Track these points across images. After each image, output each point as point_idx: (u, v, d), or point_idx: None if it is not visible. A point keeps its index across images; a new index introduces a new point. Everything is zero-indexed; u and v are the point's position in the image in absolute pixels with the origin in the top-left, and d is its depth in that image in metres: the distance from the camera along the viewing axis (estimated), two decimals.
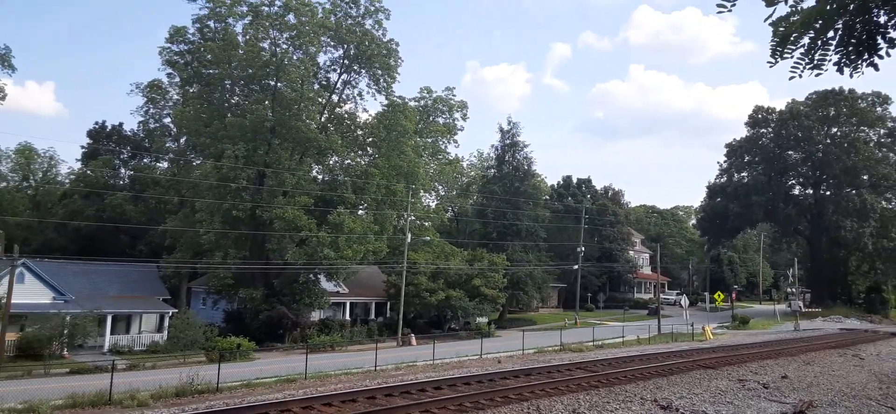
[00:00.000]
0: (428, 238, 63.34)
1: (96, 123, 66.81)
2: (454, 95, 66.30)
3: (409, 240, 53.18)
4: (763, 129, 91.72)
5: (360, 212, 52.49)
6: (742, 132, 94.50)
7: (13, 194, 67.92)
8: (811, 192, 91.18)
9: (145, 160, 65.04)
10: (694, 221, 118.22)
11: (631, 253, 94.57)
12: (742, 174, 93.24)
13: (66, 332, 39.40)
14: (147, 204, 58.06)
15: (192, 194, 52.69)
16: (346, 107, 55.98)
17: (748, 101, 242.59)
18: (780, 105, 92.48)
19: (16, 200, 66.01)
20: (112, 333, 44.68)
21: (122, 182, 64.95)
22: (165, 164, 63.62)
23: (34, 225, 60.29)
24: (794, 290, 73.22)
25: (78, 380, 26.21)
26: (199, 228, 47.39)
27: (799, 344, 41.16)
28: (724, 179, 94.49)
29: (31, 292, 40.98)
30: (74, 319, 40.28)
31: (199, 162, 56.69)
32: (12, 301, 34.12)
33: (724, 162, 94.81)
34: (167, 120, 60.07)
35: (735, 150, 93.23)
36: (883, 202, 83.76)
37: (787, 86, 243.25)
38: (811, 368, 30.89)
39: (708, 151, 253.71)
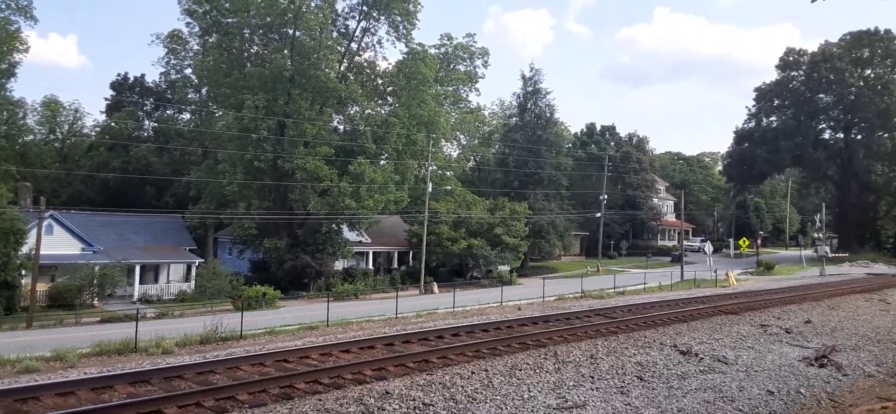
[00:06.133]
0: (449, 187, 63.35)
1: (119, 75, 67.26)
2: (475, 42, 65.43)
3: (430, 189, 53.21)
4: (794, 72, 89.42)
5: (381, 162, 52.45)
6: (772, 76, 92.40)
7: (40, 147, 68.80)
8: (842, 136, 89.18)
9: (168, 112, 65.46)
10: (720, 168, 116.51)
11: (655, 200, 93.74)
12: (771, 119, 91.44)
13: (95, 282, 40.38)
14: (171, 155, 58.62)
15: (214, 145, 53.07)
16: (366, 55, 55.65)
17: (779, 44, 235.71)
18: (812, 47, 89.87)
19: (43, 153, 66.91)
20: (141, 282, 45.71)
21: (146, 134, 65.55)
22: (188, 116, 64.00)
23: (62, 177, 61.31)
24: (820, 235, 72.23)
25: (108, 328, 26.86)
26: (222, 178, 47.86)
27: (824, 289, 40.72)
28: (752, 124, 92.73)
29: (59, 244, 41.84)
30: (103, 270, 41.20)
31: (220, 113, 56.95)
32: (42, 252, 34.91)
33: (753, 106, 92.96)
34: (188, 71, 60.18)
35: (764, 95, 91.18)
36: None
37: (820, 27, 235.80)
38: (835, 313, 30.56)
39: (736, 97, 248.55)
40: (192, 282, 47.01)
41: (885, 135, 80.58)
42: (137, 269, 45.25)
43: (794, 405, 15.85)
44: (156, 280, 47.46)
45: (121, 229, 49.45)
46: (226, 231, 56.98)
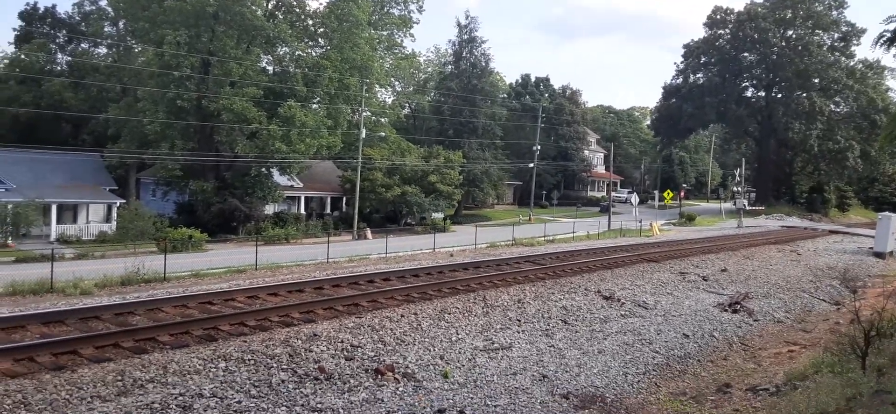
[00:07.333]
0: (383, 134, 62.72)
1: (28, 4, 62.71)
2: None
3: (363, 135, 52.51)
4: (721, 31, 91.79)
5: (312, 106, 51.17)
6: (700, 34, 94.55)
7: None
8: (763, 94, 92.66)
9: (83, 45, 61.68)
10: (649, 122, 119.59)
11: (586, 152, 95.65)
12: (698, 75, 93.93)
13: (8, 220, 38.40)
14: (88, 91, 55.50)
15: (134, 82, 50.51)
16: None
17: (709, 2, 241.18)
18: (739, 6, 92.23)
19: None
20: (59, 222, 43.70)
21: (59, 67, 61.68)
22: (104, 50, 60.50)
23: None
24: (739, 189, 75.53)
25: (23, 268, 25.59)
26: (142, 117, 45.74)
27: (741, 240, 42.75)
28: (679, 80, 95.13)
29: None
30: (17, 208, 39.16)
31: (139, 48, 54.03)
32: None
33: (681, 63, 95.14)
34: (104, 2, 56.67)
35: (692, 52, 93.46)
36: (831, 105, 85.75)
37: None
38: (750, 262, 32.17)
39: (667, 53, 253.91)
40: (114, 223, 45.21)
41: (803, 94, 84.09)
42: (54, 208, 43.18)
43: (708, 348, 16.67)
44: (75, 220, 45.41)
45: (35, 167, 46.86)
46: (149, 172, 54.81)
